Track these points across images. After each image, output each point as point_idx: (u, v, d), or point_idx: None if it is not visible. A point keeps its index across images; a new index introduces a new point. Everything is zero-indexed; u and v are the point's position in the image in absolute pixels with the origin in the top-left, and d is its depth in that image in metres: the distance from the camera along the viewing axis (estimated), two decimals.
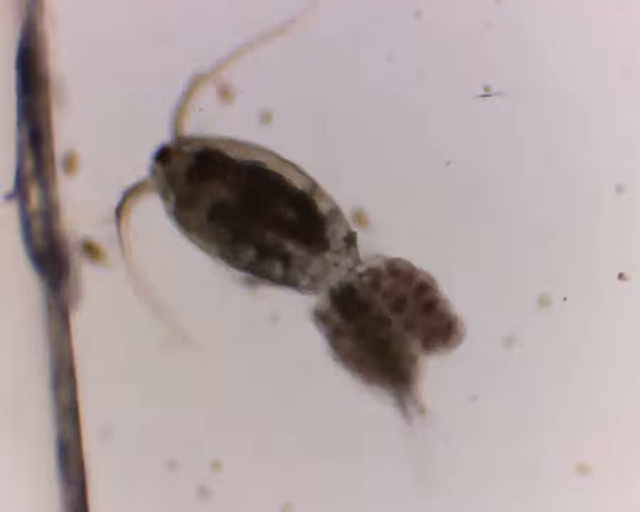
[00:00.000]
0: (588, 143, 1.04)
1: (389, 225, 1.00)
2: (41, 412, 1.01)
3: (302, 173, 0.98)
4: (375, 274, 0.98)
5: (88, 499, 1.01)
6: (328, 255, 0.97)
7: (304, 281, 0.98)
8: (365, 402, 1.00)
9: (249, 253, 0.96)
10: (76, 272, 1.01)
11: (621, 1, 1.03)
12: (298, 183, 0.97)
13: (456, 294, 0.99)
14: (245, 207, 0.96)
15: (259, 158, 0.97)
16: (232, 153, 0.97)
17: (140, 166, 0.98)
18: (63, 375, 1.01)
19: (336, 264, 0.98)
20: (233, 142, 0.98)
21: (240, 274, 0.98)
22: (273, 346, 1.02)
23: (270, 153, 0.98)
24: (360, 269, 0.98)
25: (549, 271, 1.04)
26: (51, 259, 1.00)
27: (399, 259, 0.98)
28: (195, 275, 1.00)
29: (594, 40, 1.03)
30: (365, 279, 0.98)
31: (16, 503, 1.01)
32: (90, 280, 1.01)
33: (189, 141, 0.97)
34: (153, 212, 0.98)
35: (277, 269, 0.97)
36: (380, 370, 0.99)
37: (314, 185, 0.98)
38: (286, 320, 1.02)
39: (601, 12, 1.03)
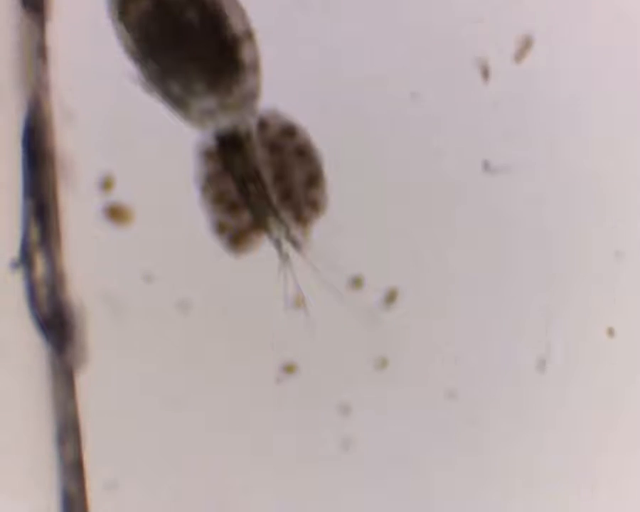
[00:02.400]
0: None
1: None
2: (46, 466, 1.06)
3: (245, 16, 1.02)
4: (267, 130, 1.04)
5: None
6: (229, 99, 1.01)
7: (195, 111, 1.02)
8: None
9: (155, 66, 1.01)
10: (81, 336, 1.07)
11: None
12: (237, 25, 1.01)
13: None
14: (174, 24, 1.00)
15: None
16: None
17: None
18: (68, 432, 1.07)
19: (231, 108, 1.02)
20: None
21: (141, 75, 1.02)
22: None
23: None
24: (254, 121, 1.03)
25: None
26: (56, 324, 1.06)
27: (297, 127, 1.04)
28: None
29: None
30: (256, 132, 1.03)
31: None
32: (95, 342, 1.07)
33: None
34: None
35: (176, 88, 1.01)
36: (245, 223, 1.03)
37: (251, 34, 1.02)
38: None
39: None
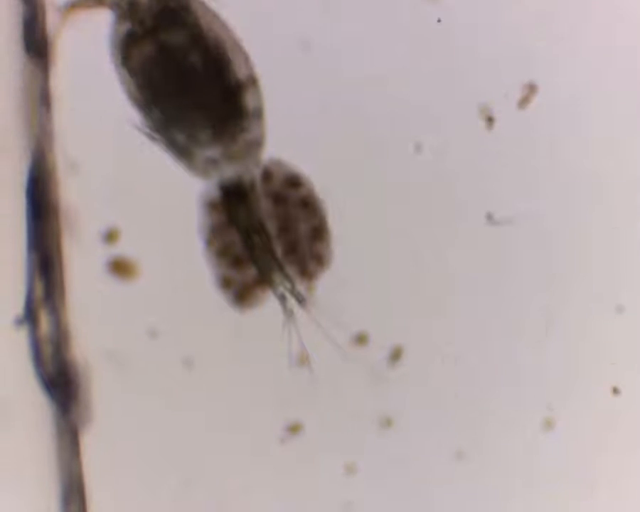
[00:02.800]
0: None
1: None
2: None
3: (248, 61, 0.99)
4: (271, 181, 1.01)
5: None
6: (233, 147, 0.99)
7: (199, 161, 0.99)
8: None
9: (158, 114, 0.99)
10: (86, 395, 1.05)
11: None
12: (240, 70, 0.99)
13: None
14: (177, 69, 0.97)
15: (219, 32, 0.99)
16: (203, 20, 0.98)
17: None
18: (73, 492, 1.05)
19: (235, 158, 0.99)
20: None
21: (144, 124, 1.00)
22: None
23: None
24: (258, 171, 1.00)
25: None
26: (61, 383, 1.04)
27: (302, 177, 1.01)
28: None
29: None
30: (260, 182, 1.00)
31: None
32: (100, 400, 1.05)
33: None
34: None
35: (180, 137, 0.99)
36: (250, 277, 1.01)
37: (255, 79, 1.00)
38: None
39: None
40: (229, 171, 0.99)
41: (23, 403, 1.05)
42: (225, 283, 1.01)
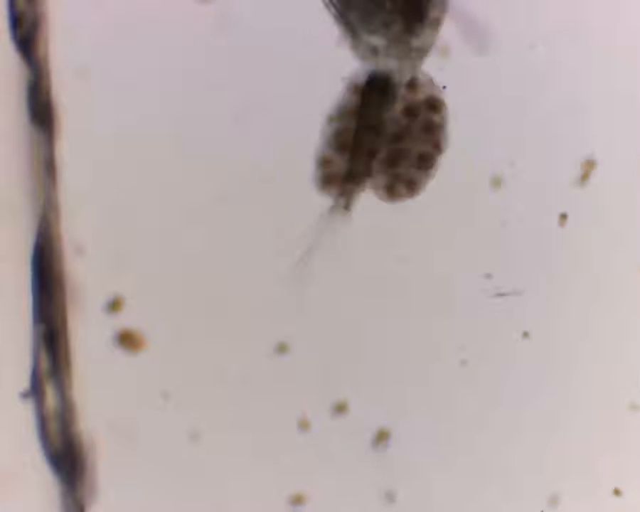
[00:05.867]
0: None
1: None
2: None
3: None
4: (413, 92, 1.02)
5: None
6: (400, 45, 1.00)
7: (363, 45, 1.00)
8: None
9: None
10: (92, 470, 1.04)
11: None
12: None
13: None
14: None
15: None
16: None
17: None
18: None
19: (395, 56, 1.00)
20: None
21: None
22: None
23: None
24: (408, 76, 1.01)
25: None
26: (67, 459, 1.04)
27: (443, 104, 1.01)
28: None
29: None
30: (404, 87, 1.01)
31: None
32: (106, 476, 1.05)
33: None
34: None
35: (354, 16, 0.99)
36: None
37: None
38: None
39: None
40: (384, 65, 1.00)
41: (29, 477, 1.04)
42: (323, 161, 1.02)
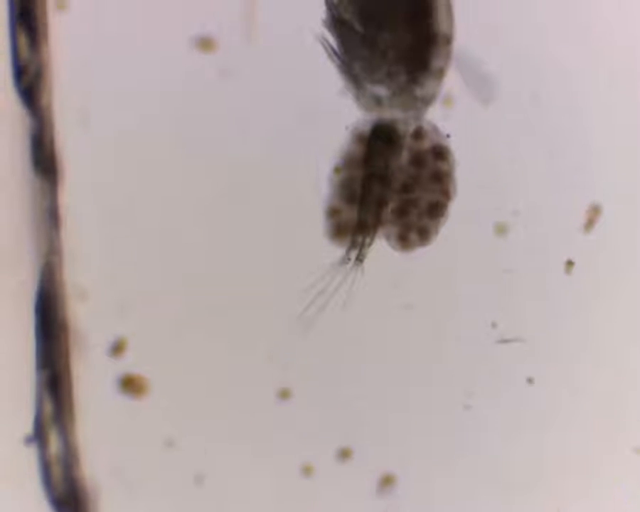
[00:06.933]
0: None
1: None
2: None
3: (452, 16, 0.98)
4: (419, 141, 1.01)
5: None
6: (403, 96, 0.99)
7: (366, 95, 1.00)
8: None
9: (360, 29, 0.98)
10: None
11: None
12: (441, 25, 0.98)
13: None
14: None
15: None
16: None
17: None
18: None
19: (399, 106, 1.00)
20: None
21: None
22: None
23: None
24: (413, 126, 1.01)
25: None
26: (70, 503, 1.04)
27: (449, 151, 1.01)
28: None
29: None
30: (409, 137, 1.01)
31: None
32: None
33: None
34: None
35: (357, 67, 0.99)
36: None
37: (449, 39, 0.99)
38: None
39: None
40: (388, 114, 1.00)
41: None
42: (331, 212, 1.02)
